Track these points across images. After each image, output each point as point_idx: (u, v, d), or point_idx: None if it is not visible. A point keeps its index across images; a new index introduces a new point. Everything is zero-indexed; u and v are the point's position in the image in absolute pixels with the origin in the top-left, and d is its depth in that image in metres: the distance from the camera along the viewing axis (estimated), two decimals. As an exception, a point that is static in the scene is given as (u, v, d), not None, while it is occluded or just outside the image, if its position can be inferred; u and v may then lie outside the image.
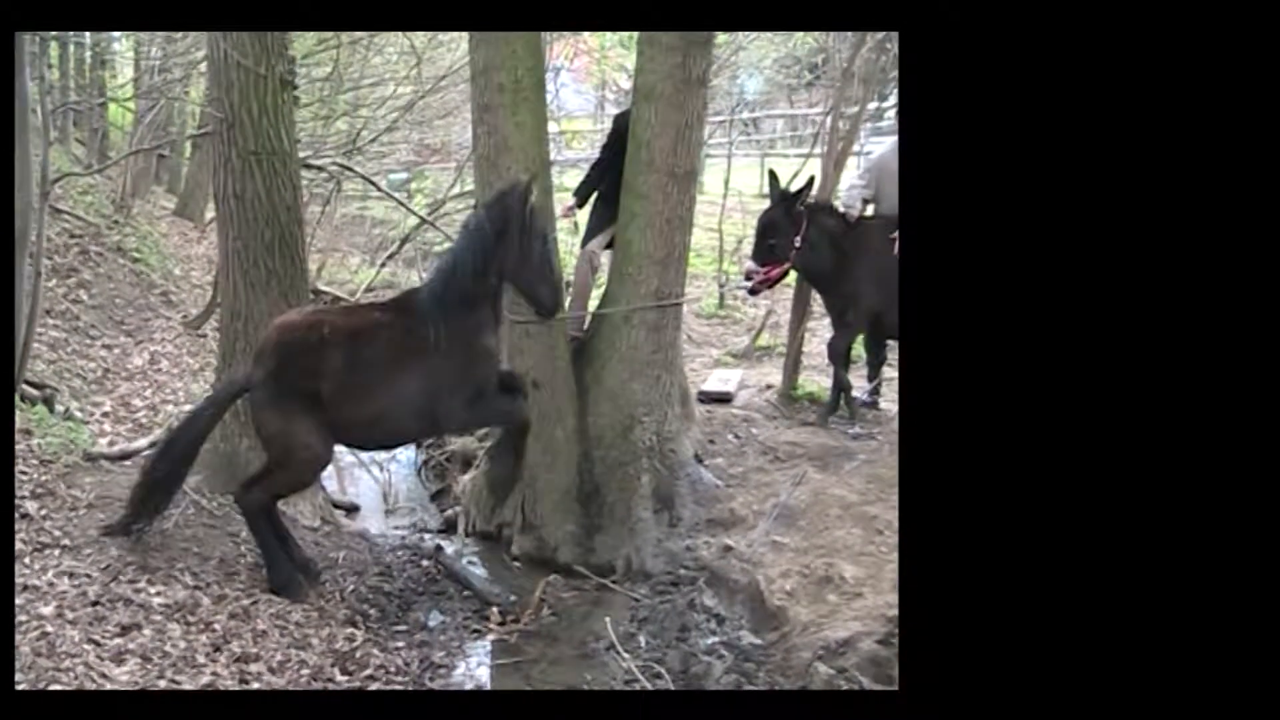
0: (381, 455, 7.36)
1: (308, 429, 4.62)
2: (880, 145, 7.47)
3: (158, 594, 4.21)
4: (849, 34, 7.37)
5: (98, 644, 3.72)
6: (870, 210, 6.81)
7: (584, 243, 6.39)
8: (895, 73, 8.25)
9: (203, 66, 7.57)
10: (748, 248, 7.38)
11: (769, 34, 11.46)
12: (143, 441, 6.11)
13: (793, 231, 6.47)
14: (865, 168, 7.02)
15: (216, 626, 4.11)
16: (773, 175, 6.88)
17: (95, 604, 3.99)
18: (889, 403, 7.11)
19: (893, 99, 7.46)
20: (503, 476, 5.13)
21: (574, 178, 6.28)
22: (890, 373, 7.53)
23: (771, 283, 6.81)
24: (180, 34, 9.85)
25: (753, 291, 7.05)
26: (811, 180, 6.66)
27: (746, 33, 10.95)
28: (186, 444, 4.69)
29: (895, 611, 4.22)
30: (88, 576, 4.17)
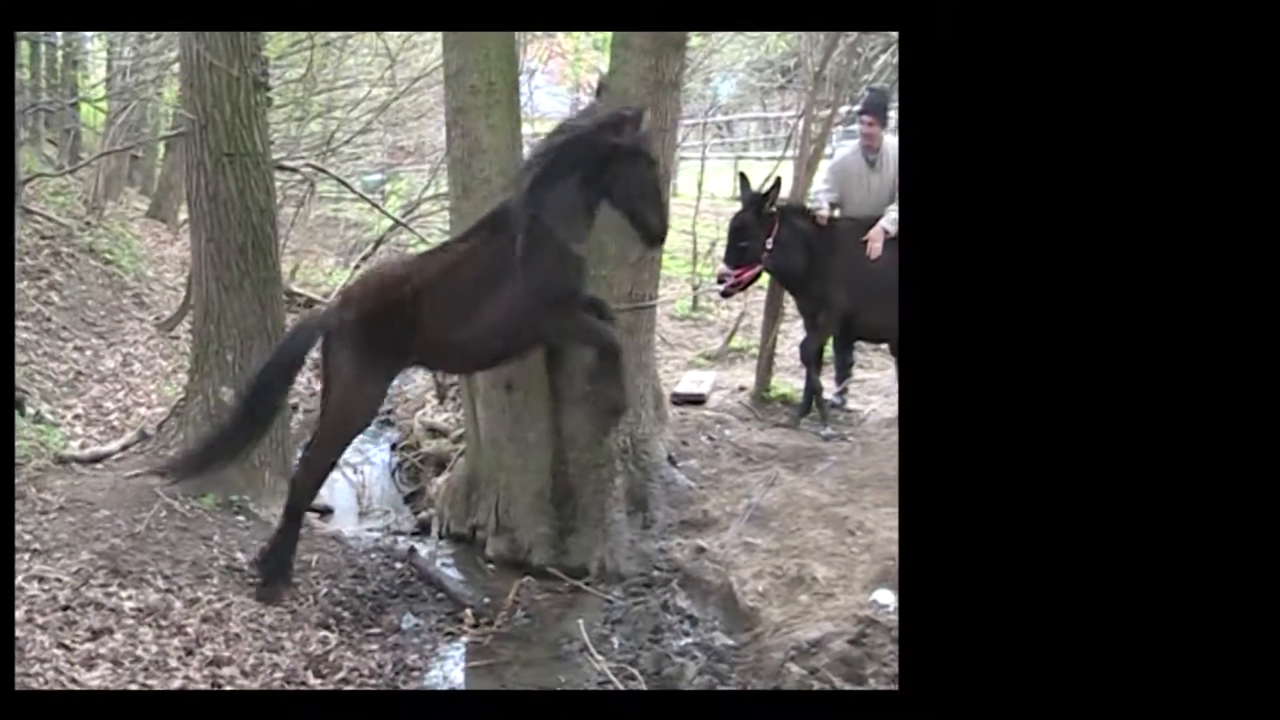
0: (355, 458, 7.35)
1: (378, 386, 4.81)
2: (842, 149, 7.49)
3: (129, 598, 4.20)
4: (821, 38, 7.40)
5: (68, 648, 3.71)
6: (837, 213, 6.84)
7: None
8: (866, 76, 8.32)
9: (175, 67, 7.53)
10: (721, 250, 7.40)
11: (742, 38, 11.49)
12: (114, 444, 6.09)
13: (764, 234, 6.49)
14: (827, 171, 7.04)
15: (189, 630, 4.10)
16: (743, 177, 6.90)
17: (66, 608, 3.97)
18: (859, 404, 7.15)
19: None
20: (612, 403, 5.14)
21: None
22: (862, 374, 7.57)
23: (744, 285, 6.83)
24: (153, 34, 9.80)
25: (725, 294, 7.06)
26: (778, 181, 6.66)
27: (720, 37, 10.98)
28: (279, 382, 4.80)
29: (866, 612, 4.26)
30: (58, 581, 4.16)
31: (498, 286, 4.75)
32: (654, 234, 5.03)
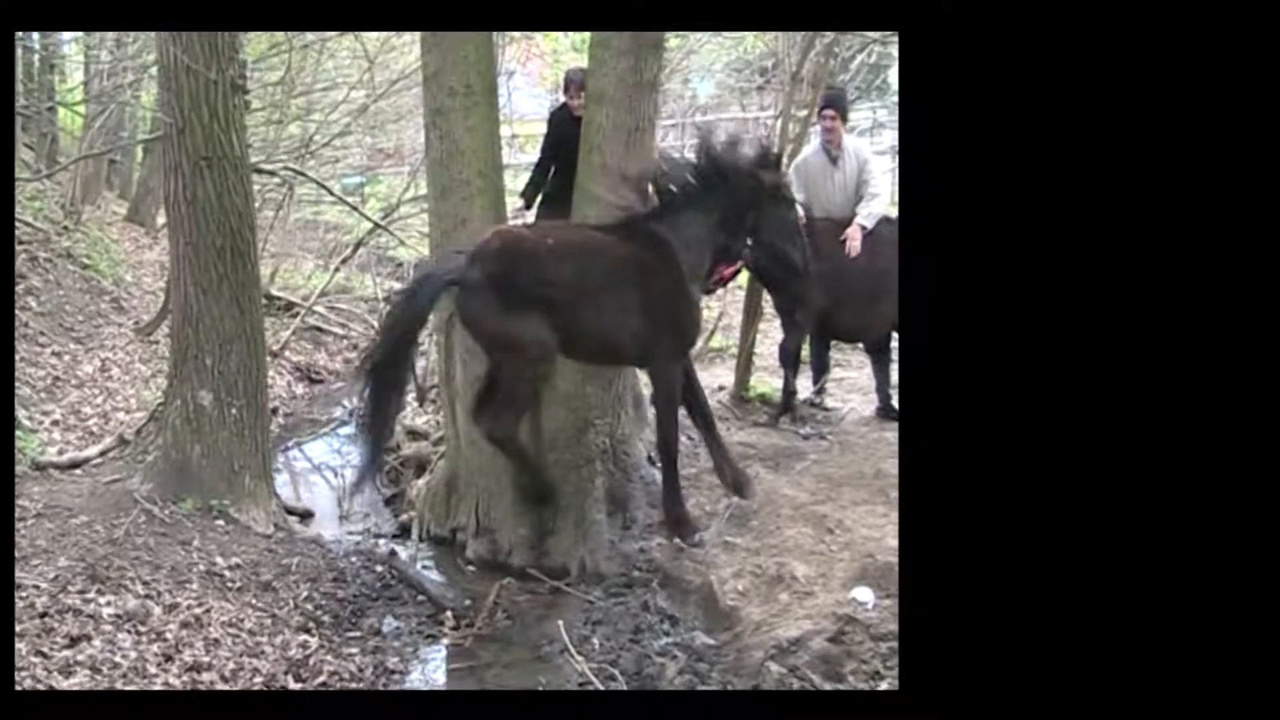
0: (336, 461, 7.35)
1: (535, 325, 4.75)
2: (804, 149, 7.50)
3: (107, 604, 4.19)
4: (798, 39, 7.41)
5: (45, 656, 3.70)
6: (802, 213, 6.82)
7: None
8: (843, 76, 8.33)
9: (153, 71, 7.50)
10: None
11: (720, 38, 11.49)
12: (93, 450, 6.07)
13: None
14: (791, 171, 7.01)
15: (168, 636, 4.09)
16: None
17: (43, 615, 3.96)
18: (838, 402, 7.16)
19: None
20: (682, 524, 5.31)
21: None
22: (840, 373, 7.59)
23: (725, 281, 6.83)
24: (131, 38, 9.75)
25: (706, 292, 7.06)
26: None
27: (698, 37, 10.97)
28: (412, 330, 4.88)
29: (845, 609, 4.28)
30: (35, 588, 4.14)
31: (618, 287, 4.88)
32: (795, 269, 5.33)
